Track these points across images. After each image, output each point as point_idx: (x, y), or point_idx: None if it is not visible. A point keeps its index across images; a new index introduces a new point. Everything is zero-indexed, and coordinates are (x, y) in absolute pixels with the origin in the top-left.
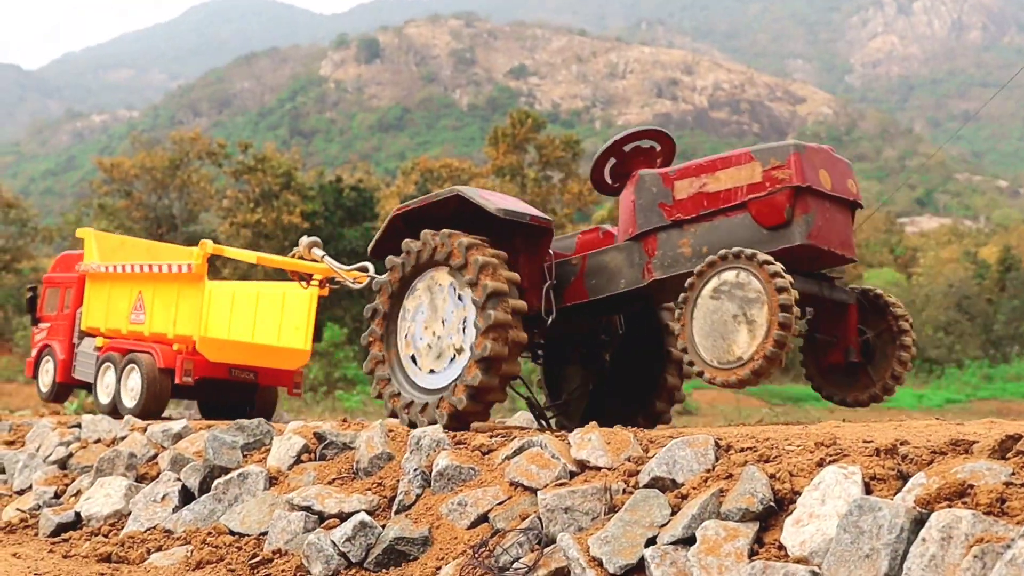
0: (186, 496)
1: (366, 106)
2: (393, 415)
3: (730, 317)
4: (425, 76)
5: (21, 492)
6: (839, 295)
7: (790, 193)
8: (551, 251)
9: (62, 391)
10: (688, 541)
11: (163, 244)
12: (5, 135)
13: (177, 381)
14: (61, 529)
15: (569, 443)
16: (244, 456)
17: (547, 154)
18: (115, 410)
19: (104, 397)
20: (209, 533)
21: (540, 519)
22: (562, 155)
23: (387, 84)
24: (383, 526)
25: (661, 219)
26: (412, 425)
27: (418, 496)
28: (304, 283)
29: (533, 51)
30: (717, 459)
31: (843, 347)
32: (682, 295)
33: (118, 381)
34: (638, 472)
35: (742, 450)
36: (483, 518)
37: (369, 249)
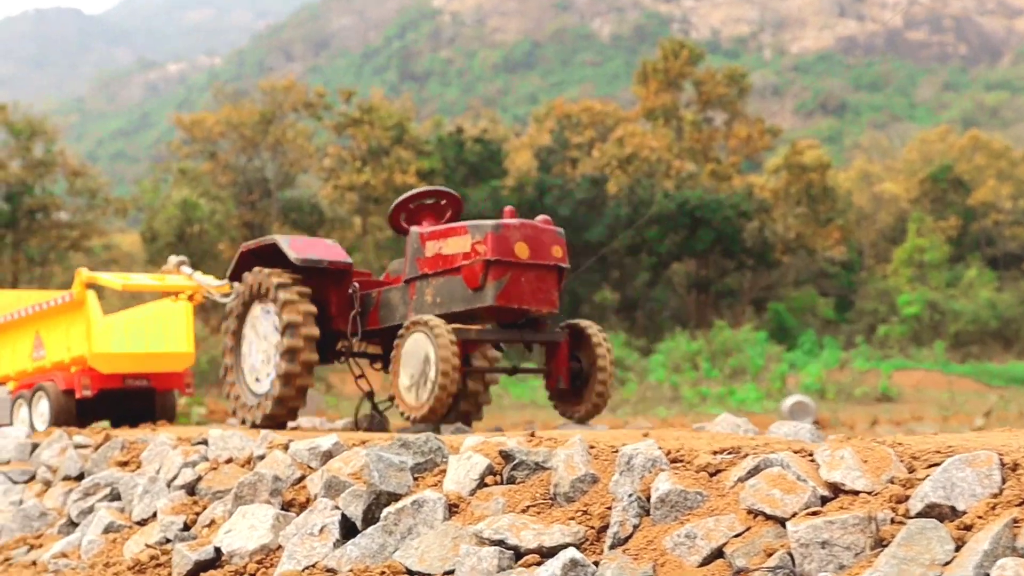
0: (347, 528)
1: (488, 41)
2: (234, 413)
3: (418, 370)
4: (558, 3)
5: (142, 522)
6: (548, 336)
7: (484, 264)
8: (355, 283)
9: None
10: None
11: (44, 292)
12: (67, 90)
13: (78, 396)
14: (199, 568)
15: (816, 462)
16: (415, 479)
17: (707, 91)
18: None
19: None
20: (382, 572)
21: (791, 555)
22: (725, 92)
23: (513, 14)
24: (596, 563)
25: (416, 271)
26: (243, 422)
27: (635, 527)
28: (174, 298)
29: None
30: (1004, 480)
31: (555, 377)
32: (396, 340)
33: (30, 411)
34: (907, 497)
35: None
36: (718, 553)
37: (227, 276)
